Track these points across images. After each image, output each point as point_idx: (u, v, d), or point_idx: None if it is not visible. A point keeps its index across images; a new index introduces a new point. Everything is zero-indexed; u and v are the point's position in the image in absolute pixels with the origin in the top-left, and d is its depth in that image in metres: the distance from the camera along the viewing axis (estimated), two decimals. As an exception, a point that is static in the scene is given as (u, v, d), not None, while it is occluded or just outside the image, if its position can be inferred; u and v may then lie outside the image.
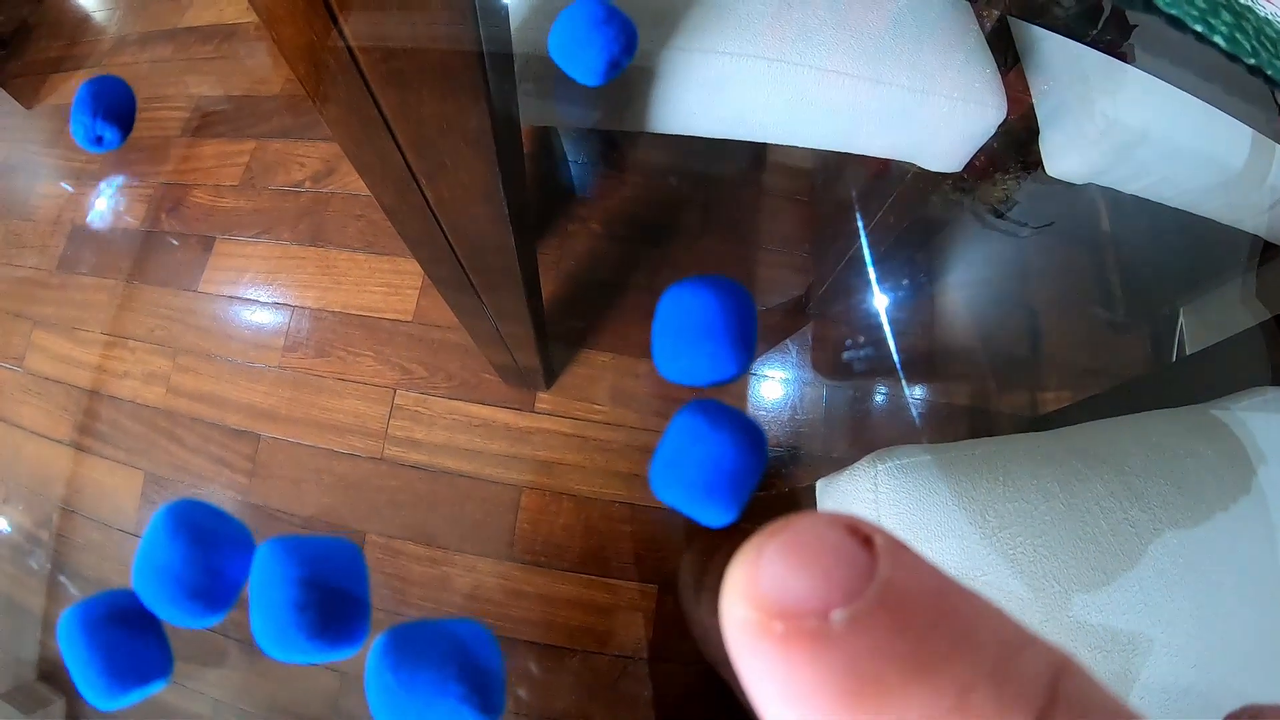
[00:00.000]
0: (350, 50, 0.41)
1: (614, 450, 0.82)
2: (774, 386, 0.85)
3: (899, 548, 0.09)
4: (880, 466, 0.51)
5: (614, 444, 0.82)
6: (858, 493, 0.52)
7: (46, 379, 0.86)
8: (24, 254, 0.91)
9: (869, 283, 0.82)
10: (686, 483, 0.16)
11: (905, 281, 0.82)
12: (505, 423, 0.82)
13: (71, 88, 0.99)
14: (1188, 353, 0.70)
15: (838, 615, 0.09)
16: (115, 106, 0.37)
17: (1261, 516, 0.49)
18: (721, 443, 0.15)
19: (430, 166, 0.48)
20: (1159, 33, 0.37)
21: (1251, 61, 0.33)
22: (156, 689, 0.15)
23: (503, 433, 0.82)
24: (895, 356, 0.85)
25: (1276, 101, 0.42)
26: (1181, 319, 0.72)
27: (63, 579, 0.81)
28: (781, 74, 0.62)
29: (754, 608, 0.09)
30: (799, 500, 0.75)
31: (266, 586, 0.14)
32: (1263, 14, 0.35)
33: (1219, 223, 0.64)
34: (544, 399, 0.83)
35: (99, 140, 0.38)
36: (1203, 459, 0.50)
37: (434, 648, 0.14)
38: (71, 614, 0.15)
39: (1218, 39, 0.33)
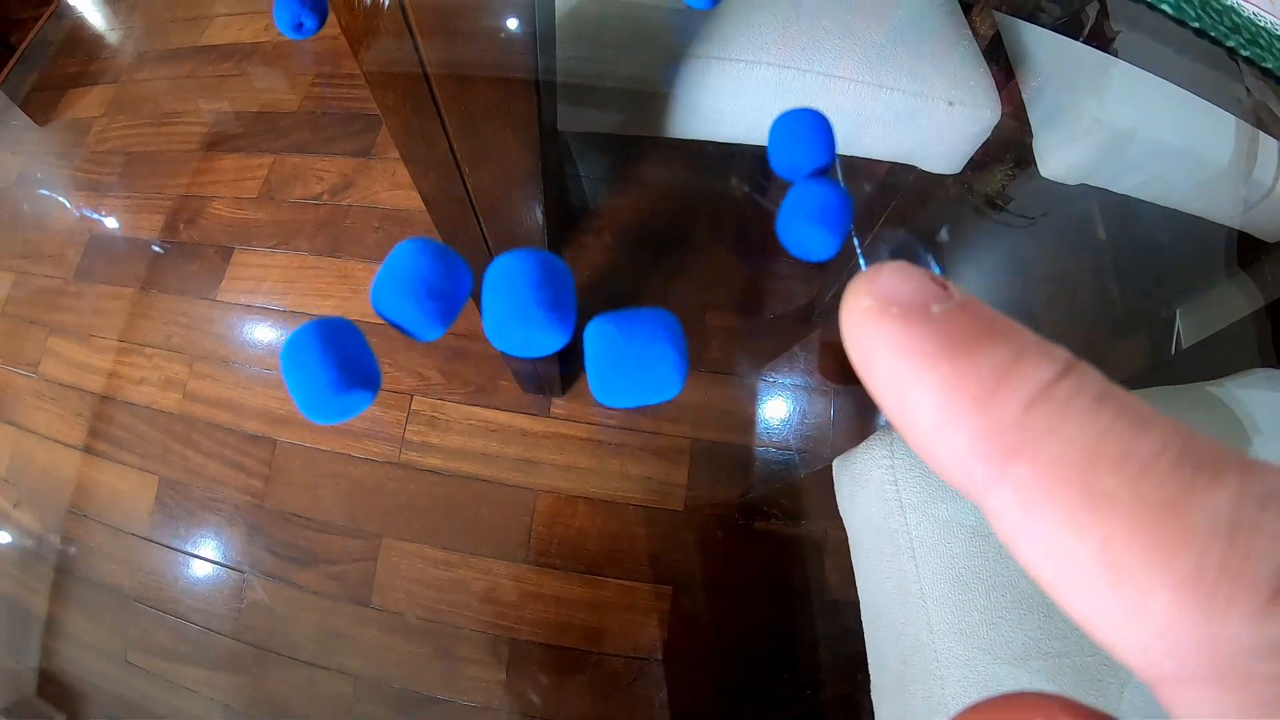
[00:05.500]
0: (415, 42, 0.49)
1: (628, 454, 0.87)
2: (783, 392, 0.91)
3: (963, 290, 0.14)
4: (895, 435, 0.57)
5: (628, 447, 0.87)
6: (875, 460, 0.58)
7: (61, 385, 0.91)
8: (40, 263, 0.97)
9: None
10: (807, 214, 0.23)
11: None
12: (521, 428, 0.88)
13: (87, 104, 1.07)
14: (1184, 347, 0.77)
15: (935, 306, 0.14)
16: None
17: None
18: (828, 188, 0.23)
19: (475, 153, 0.55)
20: (1135, 20, 0.45)
21: (1195, 25, 0.41)
22: (367, 403, 0.20)
23: (518, 438, 0.88)
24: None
25: (1246, 85, 0.50)
26: (1178, 319, 0.80)
27: (72, 584, 0.85)
28: (790, 80, 0.69)
29: (875, 298, 0.14)
30: (818, 484, 0.80)
31: (509, 271, 0.20)
32: (1211, -10, 0.43)
33: (1208, 221, 0.72)
34: (559, 404, 0.89)
35: (299, 26, 0.44)
36: (1200, 431, 0.57)
37: (641, 314, 0.20)
38: (302, 328, 0.20)
39: (1165, 7, 0.41)
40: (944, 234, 0.89)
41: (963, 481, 0.13)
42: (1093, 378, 0.12)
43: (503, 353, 0.21)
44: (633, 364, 0.19)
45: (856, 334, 0.14)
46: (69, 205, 1.01)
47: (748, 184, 0.94)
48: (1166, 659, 0.10)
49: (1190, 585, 0.10)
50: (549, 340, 0.20)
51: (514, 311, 0.19)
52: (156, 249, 0.97)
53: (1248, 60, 0.44)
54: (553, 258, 0.20)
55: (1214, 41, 0.42)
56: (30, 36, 1.07)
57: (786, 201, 0.24)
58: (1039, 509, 0.11)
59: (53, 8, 1.09)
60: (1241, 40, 0.43)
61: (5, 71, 1.03)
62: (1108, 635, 0.11)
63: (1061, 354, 0.12)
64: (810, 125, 0.24)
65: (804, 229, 0.23)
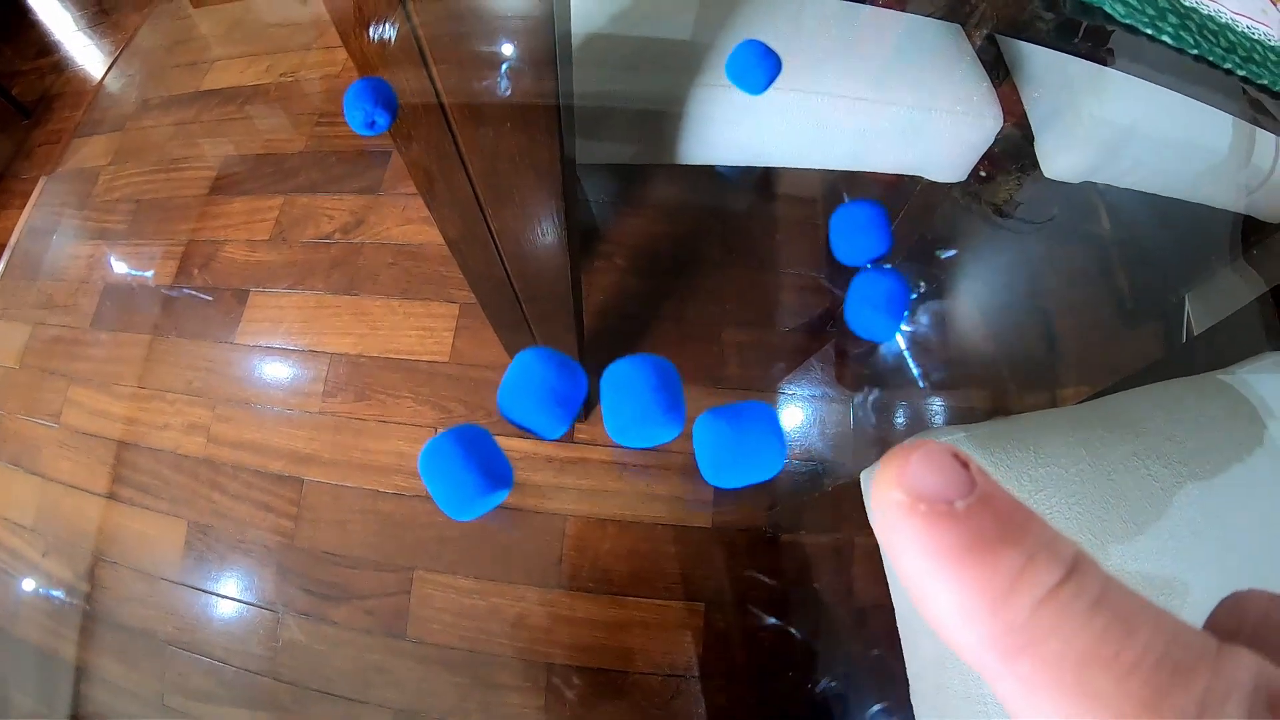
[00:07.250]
0: (438, 95, 0.52)
1: (653, 474, 0.90)
2: (802, 404, 0.94)
3: (981, 470, 0.16)
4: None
5: (652, 468, 0.90)
6: (903, 471, 0.61)
7: (84, 433, 0.94)
8: (56, 313, 1.00)
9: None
10: (873, 303, 0.26)
11: (919, 290, 0.92)
12: (546, 454, 0.91)
13: (93, 152, 1.10)
14: (1195, 335, 0.81)
15: (959, 503, 0.15)
16: (386, 97, 0.47)
17: (1273, 465, 0.58)
18: (890, 279, 0.26)
19: (498, 197, 0.58)
20: (1128, 37, 0.48)
21: (1194, 53, 0.44)
22: (502, 498, 0.24)
23: (544, 464, 0.90)
24: (914, 365, 0.94)
25: (1242, 86, 0.53)
26: (1188, 305, 0.83)
27: (105, 630, 0.88)
28: (798, 102, 0.73)
29: (905, 493, 0.15)
30: (844, 494, 0.83)
31: (628, 378, 0.23)
32: (1206, 12, 0.46)
33: (1212, 207, 0.75)
34: (582, 429, 0.92)
35: (372, 124, 0.48)
36: (1215, 418, 0.60)
37: (743, 410, 0.23)
38: (438, 439, 0.23)
39: (1165, 38, 0.44)
40: (948, 254, 0.92)
41: (976, 666, 0.15)
42: (1091, 579, 0.14)
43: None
44: (743, 452, 0.22)
45: (886, 526, 0.16)
46: (84, 252, 1.04)
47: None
48: None
49: None
50: (667, 434, 0.23)
51: (638, 415, 0.23)
52: (172, 294, 1.00)
53: (1244, 79, 0.47)
54: (664, 362, 0.23)
55: (1211, 65, 0.45)
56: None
57: (853, 289, 0.27)
58: (1039, 698, 0.14)
59: (54, 59, 1.12)
60: (1237, 60, 0.46)
61: (9, 123, 1.06)
62: None
63: (1067, 554, 0.14)
64: (869, 216, 0.28)
65: (870, 316, 0.27)
